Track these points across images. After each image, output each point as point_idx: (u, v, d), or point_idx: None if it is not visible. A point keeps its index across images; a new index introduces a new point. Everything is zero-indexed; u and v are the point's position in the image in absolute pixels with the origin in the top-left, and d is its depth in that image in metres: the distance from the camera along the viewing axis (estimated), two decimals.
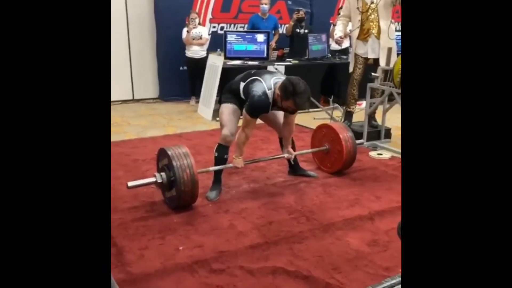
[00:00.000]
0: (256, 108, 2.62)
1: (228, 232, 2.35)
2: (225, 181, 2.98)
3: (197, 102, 5.65)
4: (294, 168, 3.20)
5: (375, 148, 3.91)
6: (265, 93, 2.59)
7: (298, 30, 5.89)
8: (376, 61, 4.03)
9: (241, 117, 2.77)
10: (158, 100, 6.22)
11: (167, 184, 2.54)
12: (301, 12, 5.87)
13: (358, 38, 4.06)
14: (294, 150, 3.11)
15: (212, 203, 2.72)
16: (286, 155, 2.97)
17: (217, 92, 5.11)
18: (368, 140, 3.98)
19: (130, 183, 2.50)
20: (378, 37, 3.96)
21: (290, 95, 2.48)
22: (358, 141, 3.28)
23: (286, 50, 5.94)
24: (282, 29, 6.31)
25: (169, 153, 2.49)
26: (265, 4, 5.67)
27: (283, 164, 3.34)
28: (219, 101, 5.37)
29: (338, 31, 4.22)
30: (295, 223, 2.46)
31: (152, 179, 2.56)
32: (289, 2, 6.56)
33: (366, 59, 4.10)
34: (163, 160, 2.60)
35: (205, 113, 5.28)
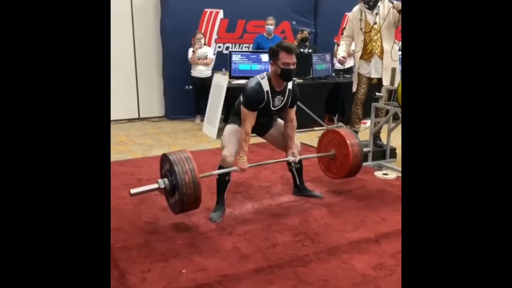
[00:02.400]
0: (250, 98, 2.64)
1: (232, 254, 2.32)
2: (228, 202, 2.96)
3: (202, 120, 5.68)
4: (299, 188, 3.18)
5: (380, 168, 3.88)
6: (258, 83, 2.64)
7: (302, 50, 5.94)
8: (380, 80, 4.04)
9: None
10: (164, 119, 6.26)
11: (170, 189, 2.50)
12: (305, 32, 5.93)
13: (361, 58, 4.09)
14: (301, 169, 3.10)
15: (216, 224, 2.69)
16: (291, 158, 2.93)
17: (221, 110, 5.14)
18: (373, 160, 3.96)
19: (133, 190, 2.47)
20: (381, 57, 3.98)
21: (277, 51, 2.59)
22: (365, 149, 3.25)
23: None
24: None
25: (171, 158, 2.46)
26: (270, 24, 5.75)
27: (288, 184, 3.32)
28: (224, 120, 5.44)
29: (341, 51, 4.25)
30: (300, 245, 2.43)
31: (155, 186, 2.52)
32: (294, 22, 6.64)
33: (370, 78, 4.12)
34: (165, 166, 2.58)
35: (210, 131, 5.29)
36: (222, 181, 2.79)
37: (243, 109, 2.66)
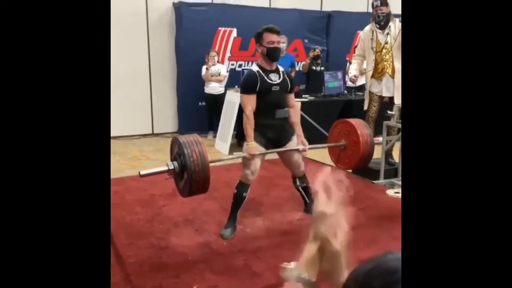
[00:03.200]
0: (244, 82, 2.78)
1: (243, 272, 2.33)
2: (239, 219, 2.98)
3: (215, 136, 5.74)
4: (309, 206, 3.19)
5: (392, 186, 3.87)
6: (251, 70, 2.80)
7: (314, 68, 6.01)
8: (391, 99, 4.06)
9: (263, 152, 2.79)
10: (177, 134, 6.34)
11: (179, 171, 2.49)
12: (317, 50, 6.01)
13: (372, 76, 4.12)
14: (308, 188, 3.10)
15: (227, 241, 2.71)
16: (300, 147, 2.90)
17: (234, 127, 5.20)
18: (385, 178, 3.95)
19: (143, 172, 2.47)
20: (392, 76, 4.01)
21: (260, 33, 2.75)
22: (375, 140, 3.23)
23: (303, 86, 6.05)
24: (299, 67, 6.45)
25: (180, 140, 2.46)
26: (283, 42, 5.82)
27: (299, 202, 3.33)
28: (236, 137, 5.50)
29: (352, 70, 4.30)
30: None
31: (165, 168, 2.53)
32: (306, 41, 6.73)
33: (381, 97, 4.14)
34: (175, 149, 2.59)
35: (222, 147, 5.35)
36: (239, 197, 2.80)
37: (242, 97, 2.76)
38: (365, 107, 4.31)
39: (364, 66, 4.36)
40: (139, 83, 6.12)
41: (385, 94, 4.08)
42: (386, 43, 3.98)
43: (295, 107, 2.97)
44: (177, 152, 2.53)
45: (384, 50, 3.99)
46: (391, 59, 3.99)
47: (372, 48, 4.04)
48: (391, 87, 4.03)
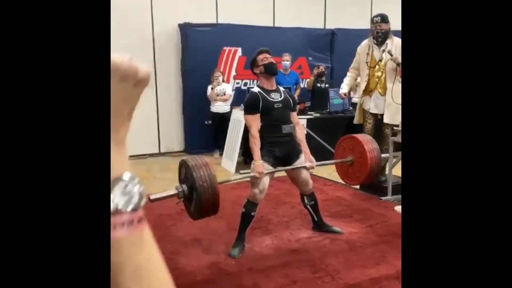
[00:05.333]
0: (248, 103, 2.83)
1: None
2: (247, 237, 2.97)
3: (221, 154, 5.77)
4: (318, 224, 3.18)
5: (400, 202, 3.84)
6: (252, 91, 2.88)
7: (318, 85, 6.06)
8: (382, 116, 4.05)
9: (272, 170, 2.81)
10: (183, 153, 6.38)
11: (189, 195, 2.48)
12: (321, 68, 6.06)
13: (364, 92, 4.12)
14: (316, 205, 3.10)
15: (235, 260, 2.70)
16: (308, 164, 2.91)
17: (240, 145, 5.23)
18: (393, 194, 3.93)
19: (152, 196, 2.48)
20: (382, 93, 3.99)
21: (254, 58, 2.86)
22: (383, 155, 3.24)
23: (308, 104, 6.09)
24: (304, 84, 6.51)
25: (189, 163, 2.47)
26: (287, 60, 5.91)
27: (307, 219, 3.32)
28: (243, 155, 5.52)
29: (344, 85, 4.30)
30: (320, 282, 2.41)
31: (174, 191, 2.52)
32: (310, 58, 6.81)
33: (374, 114, 4.11)
34: (183, 172, 2.59)
35: (228, 166, 5.36)
36: (248, 216, 2.81)
37: (246, 118, 2.82)
38: (355, 121, 4.32)
39: (358, 80, 4.37)
40: (146, 103, 6.20)
41: (373, 110, 4.07)
42: (381, 60, 3.97)
43: (299, 124, 3.00)
44: (185, 175, 2.56)
45: (377, 67, 3.99)
46: (383, 77, 3.98)
47: (366, 62, 4.05)
48: (380, 104, 4.02)
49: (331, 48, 7.01)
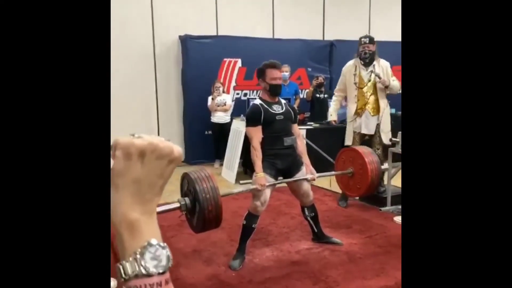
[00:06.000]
0: (248, 116, 2.87)
1: None
2: (248, 249, 2.98)
3: (221, 164, 5.80)
4: (318, 235, 3.19)
5: (399, 213, 3.86)
6: (254, 103, 2.89)
7: (318, 95, 6.11)
8: (371, 137, 4.04)
9: (273, 182, 2.82)
10: (184, 164, 6.40)
11: (191, 208, 2.46)
12: (320, 78, 6.12)
13: (354, 113, 4.10)
14: (316, 217, 3.12)
15: (235, 272, 2.72)
16: (309, 176, 2.93)
17: (240, 155, 5.26)
18: (392, 204, 3.95)
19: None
20: (372, 114, 4.01)
21: (263, 69, 2.84)
22: (382, 167, 3.25)
23: (307, 114, 6.13)
24: (303, 94, 6.56)
25: (191, 176, 2.46)
26: (286, 71, 5.96)
27: (307, 230, 3.34)
28: (243, 165, 5.54)
29: (332, 111, 4.32)
30: None
31: (177, 205, 2.52)
32: (309, 69, 6.87)
33: (362, 134, 4.09)
34: (185, 184, 2.59)
35: (228, 176, 5.39)
36: (249, 228, 2.82)
37: (247, 129, 2.84)
38: (346, 143, 4.20)
39: (344, 103, 4.37)
40: (146, 114, 6.25)
41: (363, 131, 4.07)
42: (369, 80, 3.99)
43: (300, 136, 3.03)
44: (188, 188, 2.57)
45: (365, 87, 4.01)
46: (372, 97, 4.00)
47: (355, 83, 4.05)
48: (370, 125, 4.02)
49: (330, 59, 7.08)
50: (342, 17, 7.33)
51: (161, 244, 0.48)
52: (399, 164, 4.03)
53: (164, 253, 0.48)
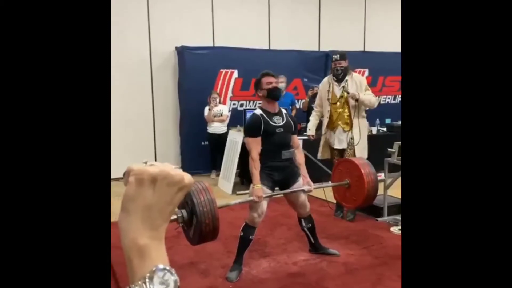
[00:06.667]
0: (248, 126, 2.88)
1: None
2: (245, 260, 2.97)
3: (218, 175, 5.79)
4: (315, 247, 3.19)
5: (396, 223, 3.87)
6: (254, 113, 2.90)
7: (313, 105, 6.14)
8: (342, 152, 4.05)
9: (270, 193, 2.82)
10: None
11: (188, 220, 2.44)
12: (315, 89, 6.14)
13: (327, 127, 4.15)
14: (313, 228, 3.12)
15: (233, 284, 2.70)
16: (306, 187, 2.93)
17: (237, 166, 5.26)
18: (389, 214, 3.95)
19: None
20: (345, 129, 4.03)
21: (259, 79, 2.90)
22: (379, 178, 3.25)
23: (304, 124, 6.15)
24: (299, 104, 6.59)
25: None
26: (281, 82, 6.00)
27: (304, 241, 3.33)
28: (239, 175, 5.54)
29: (311, 125, 4.34)
30: None
31: (174, 216, 2.50)
32: (305, 80, 6.92)
33: (336, 148, 4.12)
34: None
35: (225, 187, 5.38)
36: (246, 240, 2.82)
37: (247, 140, 2.84)
38: (319, 156, 4.26)
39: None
40: (143, 124, 6.25)
41: (337, 146, 4.09)
42: (341, 96, 4.02)
43: (299, 147, 3.04)
44: (184, 200, 2.56)
45: (338, 103, 4.04)
46: (345, 112, 4.03)
47: (328, 99, 4.10)
48: (343, 140, 4.05)
49: (325, 69, 7.12)
50: (337, 28, 7.41)
51: (169, 268, 0.51)
52: (395, 174, 4.05)
53: (172, 278, 0.51)
